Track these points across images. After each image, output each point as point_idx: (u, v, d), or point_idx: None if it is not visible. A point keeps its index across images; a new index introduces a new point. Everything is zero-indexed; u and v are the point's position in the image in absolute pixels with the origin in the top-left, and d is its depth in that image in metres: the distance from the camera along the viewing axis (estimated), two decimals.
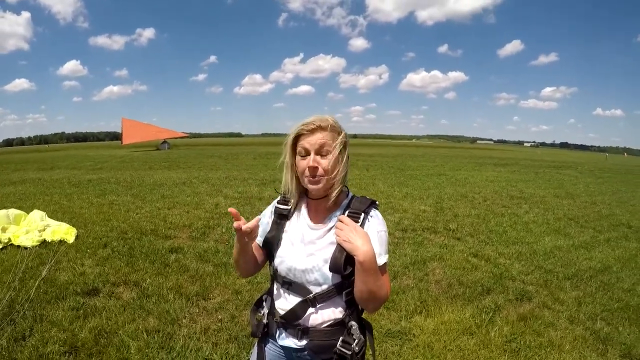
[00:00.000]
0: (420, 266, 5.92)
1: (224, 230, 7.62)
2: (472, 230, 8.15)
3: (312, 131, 1.64)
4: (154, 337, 3.88)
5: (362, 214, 1.67)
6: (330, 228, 1.70)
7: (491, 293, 5.13)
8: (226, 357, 3.61)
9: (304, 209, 1.80)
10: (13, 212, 7.81)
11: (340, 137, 1.66)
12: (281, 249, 1.77)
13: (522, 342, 3.96)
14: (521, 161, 36.26)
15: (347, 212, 1.68)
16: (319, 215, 1.76)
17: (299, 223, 1.79)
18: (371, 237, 1.61)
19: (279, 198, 1.87)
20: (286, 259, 1.74)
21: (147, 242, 6.80)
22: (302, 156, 1.66)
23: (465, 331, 4.12)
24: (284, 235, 1.79)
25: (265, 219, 1.88)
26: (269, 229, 1.85)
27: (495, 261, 6.29)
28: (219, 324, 4.16)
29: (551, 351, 3.85)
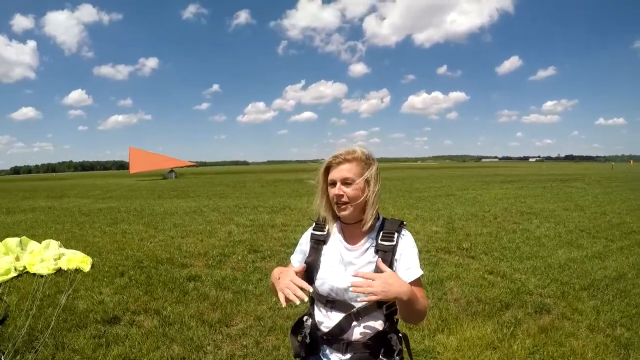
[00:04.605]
0: (438, 286, 5.93)
1: (239, 258, 7.66)
2: (485, 248, 8.16)
3: (339, 163, 1.80)
4: None
5: (395, 234, 1.82)
6: (367, 248, 1.83)
7: (510, 308, 5.14)
8: None
9: (338, 234, 1.92)
10: (25, 240, 7.94)
11: (370, 168, 1.81)
12: (321, 271, 1.88)
13: (545, 353, 3.98)
14: (528, 177, 36.27)
15: (381, 233, 1.83)
16: (355, 238, 1.87)
17: (336, 246, 1.90)
18: (407, 253, 1.81)
19: (313, 225, 2.00)
20: (327, 279, 1.84)
21: (163, 270, 6.86)
22: (331, 185, 1.83)
23: (488, 346, 4.13)
24: (322, 259, 1.90)
25: (303, 247, 2.01)
26: (307, 254, 1.96)
27: (511, 277, 6.30)
28: (244, 350, 4.17)
29: None
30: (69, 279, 6.31)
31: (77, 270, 6.86)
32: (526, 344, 4.15)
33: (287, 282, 1.70)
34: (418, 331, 4.45)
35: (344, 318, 1.78)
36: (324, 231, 1.94)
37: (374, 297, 1.58)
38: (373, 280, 1.61)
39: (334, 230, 1.93)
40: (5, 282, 6.30)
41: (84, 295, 5.75)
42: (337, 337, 1.80)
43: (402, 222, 1.88)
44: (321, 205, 1.90)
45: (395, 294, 1.60)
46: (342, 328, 1.78)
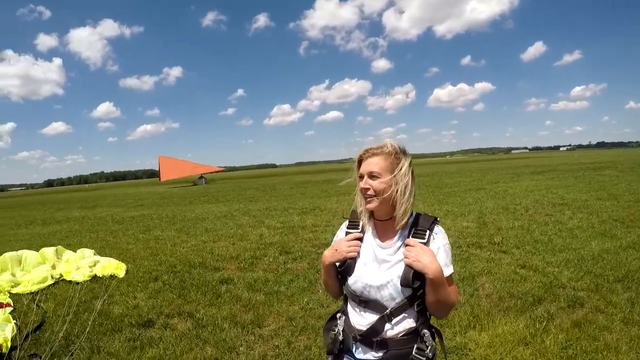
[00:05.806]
0: (469, 282, 5.88)
1: (271, 260, 7.72)
2: (517, 242, 8.02)
3: (368, 157, 1.83)
4: None
5: (427, 231, 1.82)
6: (400, 246, 1.83)
7: (543, 302, 5.07)
8: None
9: (372, 230, 1.93)
10: (60, 249, 8.23)
11: (401, 162, 1.82)
12: (355, 269, 1.88)
13: (578, 348, 3.92)
14: (559, 166, 35.49)
15: (413, 230, 1.83)
16: (388, 234, 1.88)
17: (369, 243, 1.91)
18: (438, 251, 1.79)
19: (346, 223, 2.02)
20: (361, 278, 1.86)
21: (196, 274, 6.98)
22: (360, 178, 1.86)
23: (520, 342, 4.09)
24: (357, 257, 1.91)
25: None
26: None
27: (544, 270, 6.19)
28: (276, 350, 4.24)
29: (608, 354, 3.79)
30: (104, 285, 6.49)
31: (112, 277, 7.05)
32: (559, 339, 4.10)
33: (343, 243, 1.90)
34: (449, 328, 4.44)
35: (377, 321, 1.81)
36: (358, 228, 1.95)
37: (405, 260, 1.72)
38: (414, 247, 1.73)
39: (368, 227, 1.94)
40: (42, 289, 6.52)
41: (119, 300, 5.92)
42: (370, 338, 1.83)
43: (435, 219, 1.87)
44: (361, 200, 1.90)
45: (422, 267, 1.67)
46: (375, 330, 1.81)
